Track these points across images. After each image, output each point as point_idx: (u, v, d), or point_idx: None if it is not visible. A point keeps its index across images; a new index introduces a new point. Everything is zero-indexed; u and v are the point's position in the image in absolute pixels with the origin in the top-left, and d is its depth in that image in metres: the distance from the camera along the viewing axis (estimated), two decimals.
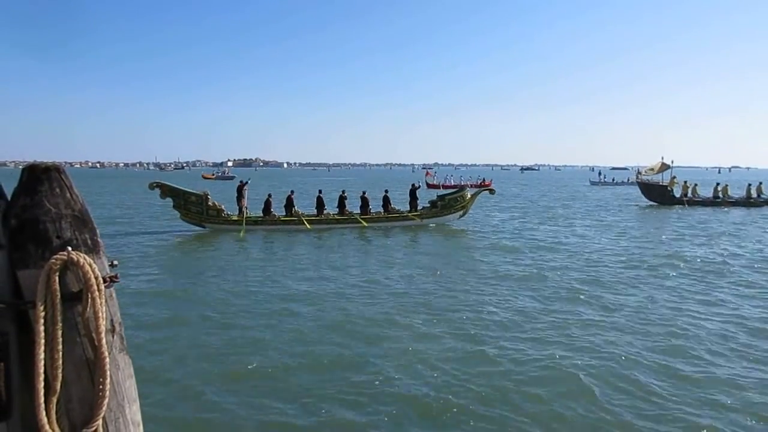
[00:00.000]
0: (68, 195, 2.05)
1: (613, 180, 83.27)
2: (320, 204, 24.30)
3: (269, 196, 24.29)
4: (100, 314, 1.98)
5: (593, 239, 20.90)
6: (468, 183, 69.95)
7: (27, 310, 1.96)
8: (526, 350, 8.39)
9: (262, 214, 23.36)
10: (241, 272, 14.36)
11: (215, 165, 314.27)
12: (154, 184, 22.42)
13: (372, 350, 8.37)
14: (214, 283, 13.18)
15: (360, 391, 6.93)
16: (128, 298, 11.48)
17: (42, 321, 1.90)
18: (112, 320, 2.09)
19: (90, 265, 1.97)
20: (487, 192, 27.13)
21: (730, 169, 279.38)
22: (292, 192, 25.09)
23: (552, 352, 8.27)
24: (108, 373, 1.99)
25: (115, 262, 2.20)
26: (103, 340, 1.99)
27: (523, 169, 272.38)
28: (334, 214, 24.10)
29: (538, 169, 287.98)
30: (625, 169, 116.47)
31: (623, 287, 12.69)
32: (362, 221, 23.49)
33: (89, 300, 1.97)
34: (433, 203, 25.22)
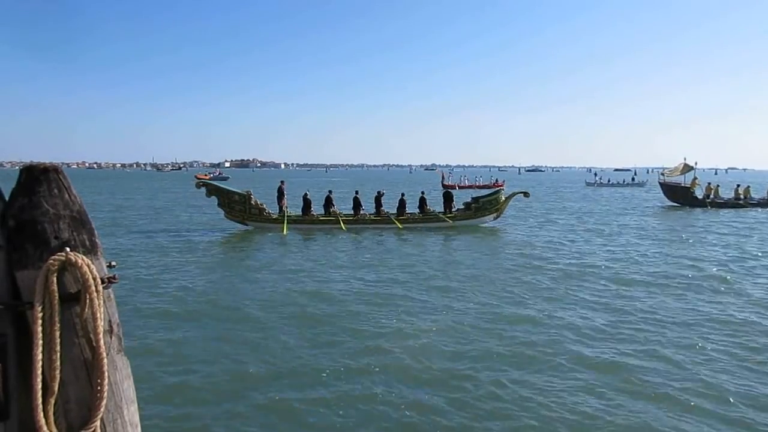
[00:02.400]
0: (66, 196, 2.04)
1: (609, 181, 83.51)
2: (357, 204, 24.67)
3: (306, 194, 24.68)
4: (99, 315, 1.98)
5: (627, 242, 20.44)
6: (480, 183, 70.57)
7: (25, 311, 1.95)
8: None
9: (301, 213, 23.83)
10: (279, 270, 14.72)
11: (212, 165, 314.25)
12: (201, 184, 23.59)
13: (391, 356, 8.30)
14: (252, 280, 13.54)
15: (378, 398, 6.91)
16: (170, 290, 12.21)
17: (40, 322, 1.89)
18: (110, 321, 2.08)
19: (88, 266, 1.96)
20: (521, 195, 26.84)
21: (726, 170, 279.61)
22: (331, 192, 25.69)
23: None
24: (106, 374, 1.98)
25: (113, 263, 2.20)
26: (101, 341, 1.99)
27: (527, 170, 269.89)
28: (370, 215, 24.52)
29: (544, 171, 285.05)
30: (628, 170, 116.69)
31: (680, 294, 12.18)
32: (398, 222, 23.72)
33: (87, 301, 1.96)
34: (467, 205, 25.30)
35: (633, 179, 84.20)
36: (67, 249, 1.97)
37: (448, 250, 18.56)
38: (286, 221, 22.64)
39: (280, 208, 24.09)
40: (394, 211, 24.69)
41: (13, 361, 1.94)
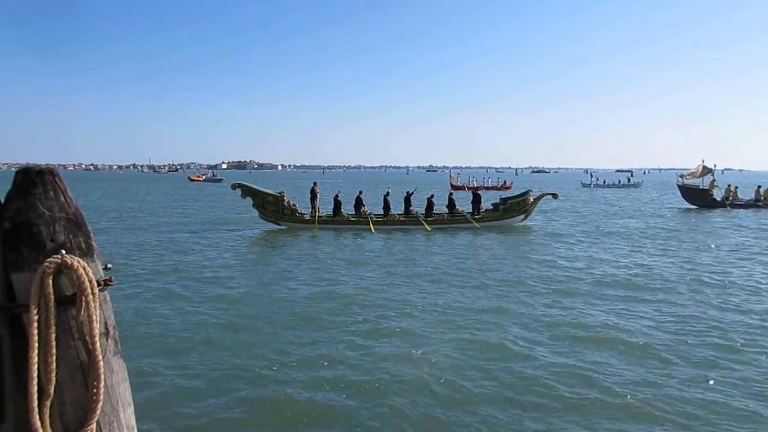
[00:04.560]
0: (62, 198, 2.04)
1: (605, 182, 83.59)
2: (387, 205, 25.21)
3: (337, 195, 25.38)
4: (94, 317, 1.97)
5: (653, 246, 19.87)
6: (488, 184, 70.76)
7: (20, 314, 1.95)
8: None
9: (332, 214, 24.66)
10: (306, 269, 15.13)
11: (209, 167, 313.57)
12: (236, 185, 24.34)
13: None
14: (279, 279, 13.96)
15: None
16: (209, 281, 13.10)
17: (35, 324, 1.89)
18: (106, 323, 2.08)
19: (84, 269, 1.96)
20: (549, 196, 26.86)
21: (723, 171, 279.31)
22: (361, 192, 26.35)
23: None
24: (102, 376, 1.98)
25: (109, 265, 2.19)
26: (97, 344, 1.98)
27: (532, 171, 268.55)
28: (399, 215, 25.08)
29: (548, 172, 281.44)
30: (629, 171, 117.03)
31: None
32: (426, 224, 24.17)
33: (83, 303, 1.96)
34: (495, 206, 25.69)
35: (629, 180, 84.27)
36: (63, 251, 1.96)
37: (476, 252, 18.57)
38: (316, 222, 23.57)
39: (313, 208, 24.90)
40: (423, 212, 25.22)
41: (8, 364, 1.94)
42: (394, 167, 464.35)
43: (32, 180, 2.02)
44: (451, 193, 26.91)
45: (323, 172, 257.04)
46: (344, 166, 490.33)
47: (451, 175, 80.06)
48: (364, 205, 25.16)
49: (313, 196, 25.17)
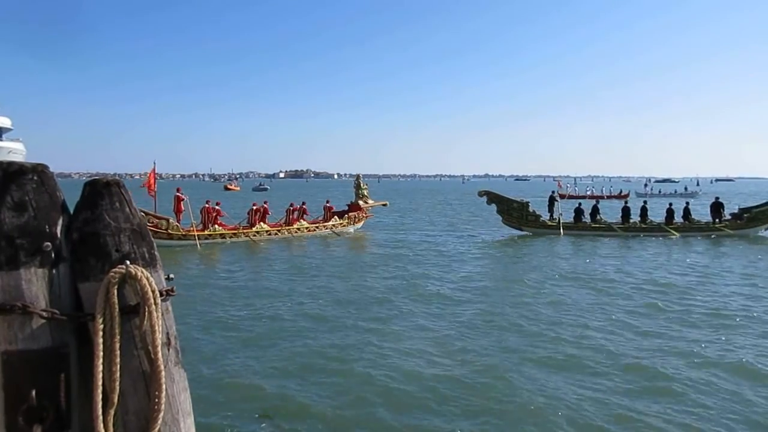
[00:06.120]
0: (127, 209, 2.08)
1: (660, 192, 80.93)
2: (626, 213, 26.57)
3: (579, 204, 27.65)
4: (157, 327, 1.99)
5: None
6: (607, 194, 68.85)
7: (87, 323, 1.99)
8: None
9: (573, 221, 26.60)
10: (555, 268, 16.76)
11: (268, 176, 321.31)
12: (483, 192, 27.18)
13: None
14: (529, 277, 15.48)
15: None
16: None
17: (101, 333, 1.92)
18: (167, 333, 2.10)
19: (147, 279, 1.98)
20: None
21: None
22: (598, 202, 28.28)
23: None
24: (164, 386, 1.99)
25: (171, 276, 2.22)
26: (159, 353, 2.00)
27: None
28: (639, 223, 26.42)
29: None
30: (674, 181, 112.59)
31: None
32: (670, 230, 25.29)
33: (146, 313, 1.98)
34: (736, 216, 25.97)
35: (686, 189, 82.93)
36: (128, 262, 1.99)
37: (719, 260, 18.74)
38: (561, 228, 25.51)
39: (551, 216, 26.85)
40: (660, 221, 26.39)
41: (75, 372, 1.97)
42: (450, 176, 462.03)
43: (99, 192, 2.06)
44: (687, 203, 27.40)
45: (378, 181, 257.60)
46: (399, 175, 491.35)
47: (559, 184, 77.44)
48: (599, 214, 26.70)
49: (551, 202, 27.27)
